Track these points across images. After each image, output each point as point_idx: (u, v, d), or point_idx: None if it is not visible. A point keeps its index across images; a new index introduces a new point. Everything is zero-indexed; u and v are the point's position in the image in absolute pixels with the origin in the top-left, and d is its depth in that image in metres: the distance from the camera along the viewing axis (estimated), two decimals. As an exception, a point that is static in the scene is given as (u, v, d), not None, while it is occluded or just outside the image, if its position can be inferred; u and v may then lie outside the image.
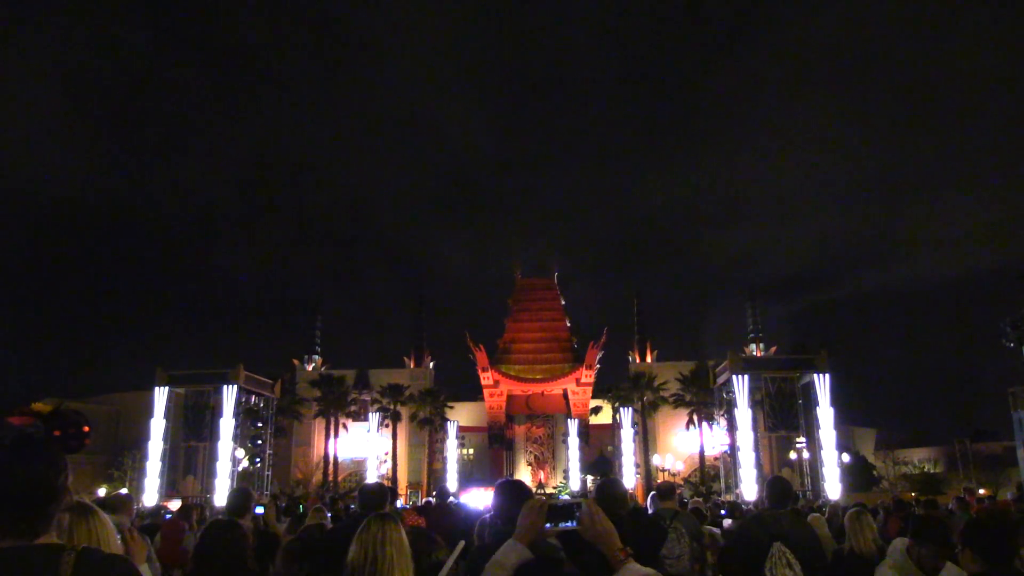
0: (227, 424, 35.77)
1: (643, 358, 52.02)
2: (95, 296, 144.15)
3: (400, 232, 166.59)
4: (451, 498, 18.52)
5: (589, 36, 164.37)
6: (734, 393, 34.82)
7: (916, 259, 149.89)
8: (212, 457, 35.89)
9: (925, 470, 48.63)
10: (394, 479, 45.73)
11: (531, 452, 50.46)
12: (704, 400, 45.27)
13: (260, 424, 40.72)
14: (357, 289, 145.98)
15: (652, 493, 7.91)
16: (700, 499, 30.28)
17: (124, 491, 27.48)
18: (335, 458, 48.60)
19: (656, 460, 47.14)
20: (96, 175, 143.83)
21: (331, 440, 49.01)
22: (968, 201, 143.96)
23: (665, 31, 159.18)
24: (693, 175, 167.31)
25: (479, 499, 27.20)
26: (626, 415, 44.38)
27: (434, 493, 26.57)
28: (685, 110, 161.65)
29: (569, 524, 2.65)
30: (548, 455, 50.18)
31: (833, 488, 32.33)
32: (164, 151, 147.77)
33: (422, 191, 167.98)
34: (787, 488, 5.80)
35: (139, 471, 37.76)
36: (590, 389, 48.49)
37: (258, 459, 40.05)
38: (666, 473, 45.07)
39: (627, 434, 43.46)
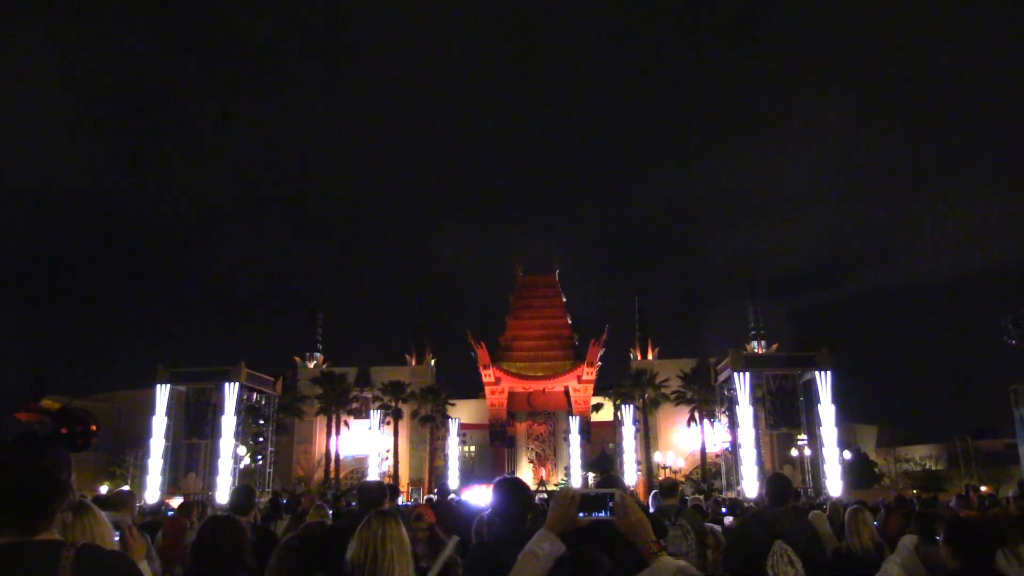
0: (229, 421, 35.82)
1: (644, 355, 52.01)
2: (97, 294, 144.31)
3: (402, 230, 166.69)
4: (452, 495, 18.53)
5: (592, 33, 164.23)
6: (735, 390, 34.82)
7: (918, 256, 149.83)
8: (214, 454, 35.94)
9: (926, 467, 48.65)
10: (396, 476, 45.76)
11: (532, 449, 50.49)
12: (705, 397, 45.26)
13: (262, 421, 40.79)
14: (358, 286, 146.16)
15: (654, 491, 7.91)
16: (700, 496, 30.36)
17: (126, 488, 27.51)
18: (336, 456, 48.63)
19: (657, 457, 47.14)
20: (98, 173, 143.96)
21: (332, 437, 49.03)
22: (970, 199, 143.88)
23: (669, 29, 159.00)
24: (695, 173, 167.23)
25: (480, 496, 27.23)
26: (627, 412, 44.38)
27: (435, 490, 26.55)
28: (688, 108, 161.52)
29: (601, 514, 2.65)
30: (549, 452, 50.20)
31: (834, 485, 32.33)
32: (166, 149, 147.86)
33: (424, 189, 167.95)
34: (786, 485, 5.80)
35: (141, 468, 37.80)
36: (591, 386, 48.48)
37: (259, 456, 40.12)
38: (667, 470, 45.07)
39: (628, 431, 43.48)
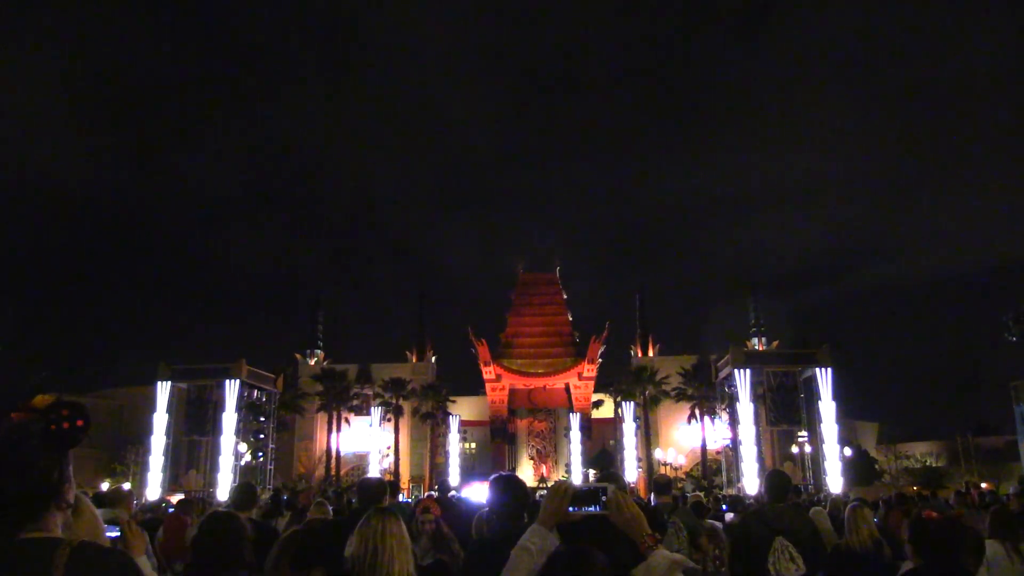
0: (229, 418, 35.84)
1: (645, 352, 52.02)
2: (99, 291, 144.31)
3: (403, 227, 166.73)
4: (452, 492, 18.55)
5: (596, 31, 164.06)
6: (736, 387, 34.81)
7: (919, 253, 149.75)
8: (215, 451, 35.97)
9: (927, 464, 48.65)
10: (396, 473, 45.79)
11: (533, 446, 50.53)
12: (706, 394, 45.26)
13: (262, 418, 40.82)
14: (360, 283, 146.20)
15: (652, 487, 7.92)
16: (700, 493, 30.36)
17: (127, 486, 27.55)
18: (337, 452, 48.66)
19: (658, 454, 47.17)
20: (100, 170, 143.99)
21: (333, 434, 49.05)
22: (971, 196, 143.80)
23: (673, 27, 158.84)
24: (697, 170, 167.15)
25: (481, 493, 27.25)
26: (628, 409, 44.38)
27: (436, 487, 26.58)
28: (690, 106, 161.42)
29: (594, 509, 2.64)
30: (550, 449, 50.25)
31: (835, 482, 32.34)
32: (168, 146, 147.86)
33: (426, 185, 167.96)
34: (785, 481, 5.79)
35: (142, 465, 37.84)
36: (592, 383, 48.49)
37: (260, 453, 40.15)
38: (668, 467, 45.08)
39: (629, 428, 43.49)
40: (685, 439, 48.89)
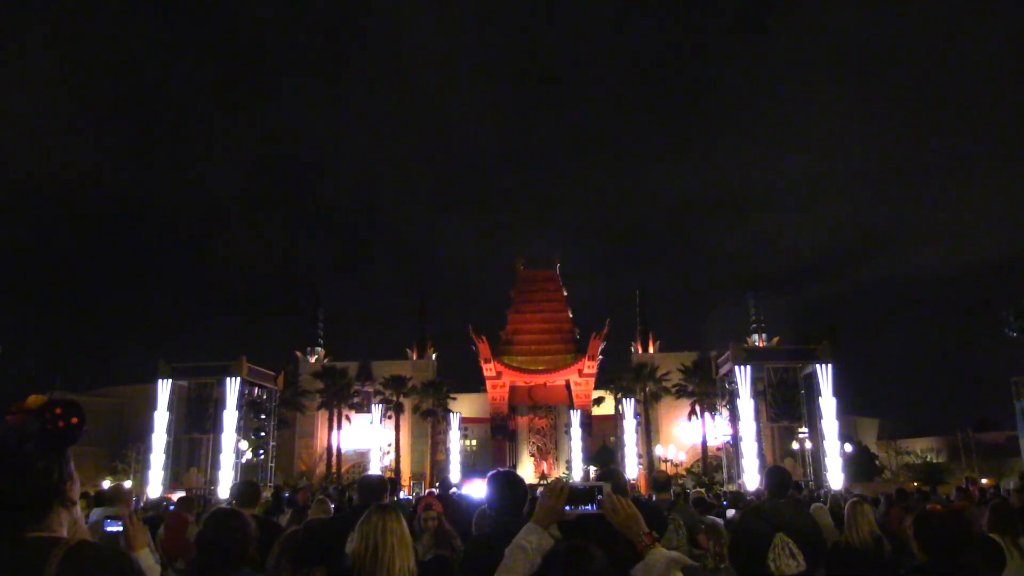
0: (230, 416, 35.81)
1: (645, 349, 52.03)
2: (99, 289, 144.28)
3: (403, 224, 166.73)
4: (453, 489, 18.56)
5: (597, 30, 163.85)
6: (736, 383, 34.78)
7: (919, 250, 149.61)
8: (215, 449, 35.95)
9: (928, 460, 48.64)
10: (397, 470, 45.84)
11: (534, 443, 50.58)
12: (706, 391, 45.26)
13: (263, 416, 40.81)
14: (360, 281, 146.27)
15: (651, 484, 7.92)
16: (702, 489, 30.35)
17: (127, 484, 27.60)
18: (338, 450, 48.70)
19: (659, 451, 47.20)
20: (101, 168, 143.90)
21: (334, 432, 49.10)
22: (972, 193, 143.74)
23: (675, 24, 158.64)
24: (698, 167, 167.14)
25: (481, 490, 27.28)
26: (628, 406, 44.39)
27: (436, 484, 26.57)
28: (692, 103, 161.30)
29: (589, 508, 2.64)
30: (551, 446, 50.29)
31: (835, 478, 32.33)
32: (169, 144, 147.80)
33: (427, 183, 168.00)
34: (785, 477, 5.79)
35: (143, 463, 37.83)
36: (592, 380, 48.53)
37: (261, 451, 40.16)
38: (668, 464, 45.12)
39: (629, 425, 43.50)
40: (686, 435, 48.90)
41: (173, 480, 36.12)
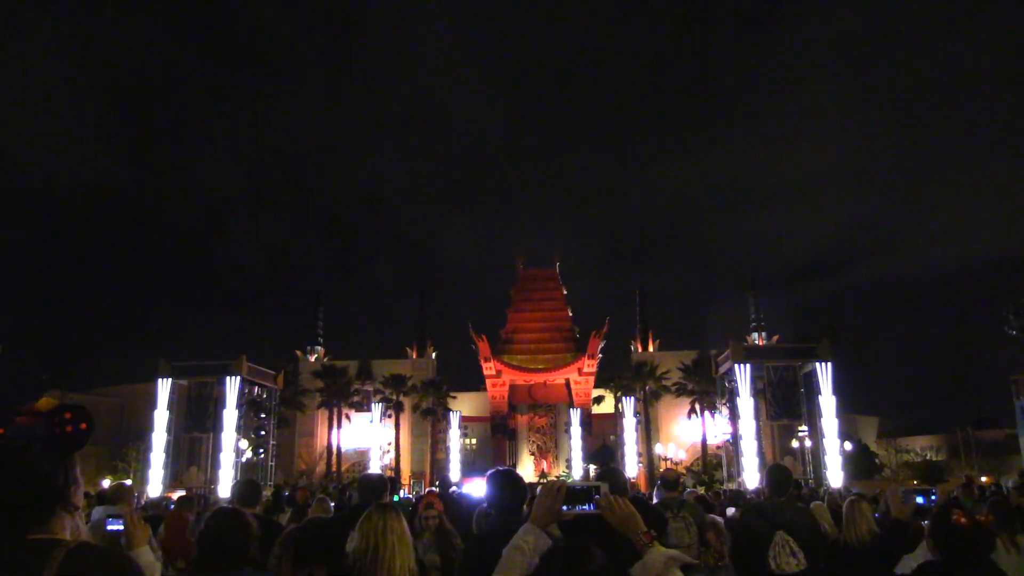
0: (230, 415, 35.84)
1: (645, 347, 52.02)
2: (100, 288, 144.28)
3: (404, 223, 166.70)
4: (453, 488, 18.55)
5: (599, 28, 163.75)
6: (736, 382, 34.80)
7: (919, 248, 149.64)
8: (215, 448, 35.99)
9: (927, 458, 48.65)
10: (397, 469, 45.84)
11: (534, 442, 50.58)
12: (706, 389, 45.26)
13: (263, 415, 40.83)
14: (360, 280, 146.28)
15: (658, 483, 7.91)
16: (702, 488, 30.37)
17: (128, 482, 27.56)
18: (338, 448, 48.70)
19: (658, 449, 47.19)
20: (102, 168, 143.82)
21: (334, 431, 49.10)
22: (972, 192, 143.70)
23: (676, 23, 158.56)
24: (697, 166, 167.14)
25: (481, 489, 27.28)
26: (628, 404, 44.40)
27: (436, 483, 26.58)
28: (692, 102, 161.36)
29: (586, 508, 2.64)
30: (551, 445, 50.29)
31: (835, 476, 32.36)
32: (171, 143, 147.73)
33: (427, 182, 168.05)
34: (786, 476, 5.78)
35: (143, 462, 37.84)
36: (592, 379, 48.54)
37: (261, 450, 40.16)
38: (668, 462, 45.11)
39: (629, 423, 43.52)
40: (685, 434, 48.90)
41: (173, 479, 36.12)
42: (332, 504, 10.14)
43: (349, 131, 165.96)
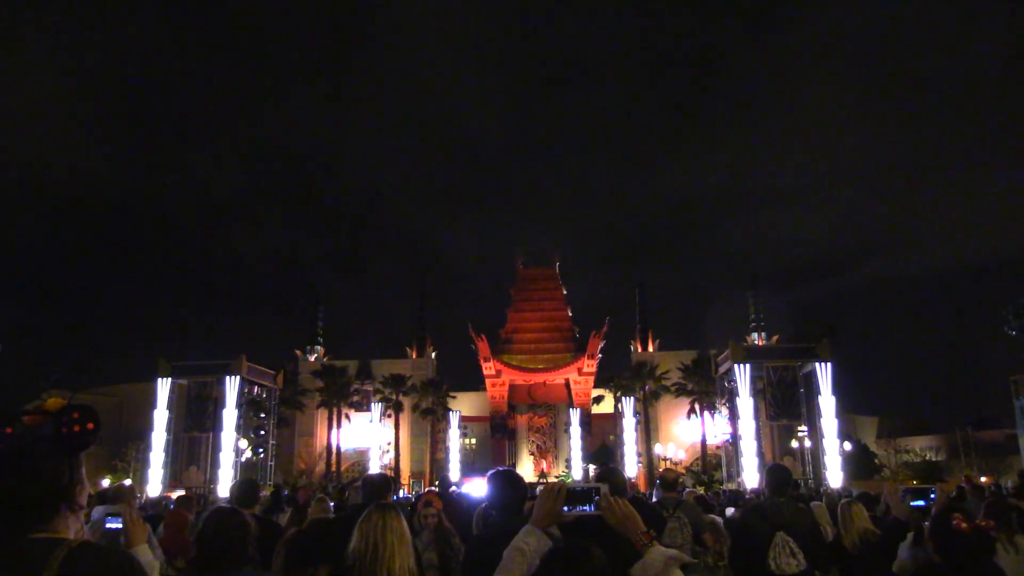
0: (230, 415, 35.85)
1: (645, 347, 52.02)
2: (100, 287, 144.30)
3: (404, 222, 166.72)
4: (453, 488, 18.55)
5: (600, 27, 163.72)
6: (736, 382, 34.81)
7: (919, 248, 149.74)
8: (215, 448, 36.00)
9: (927, 458, 48.64)
10: (397, 469, 45.86)
11: (533, 442, 50.58)
12: (706, 389, 45.27)
13: (263, 415, 40.84)
14: (360, 279, 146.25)
15: (657, 483, 7.92)
16: (702, 487, 30.38)
17: (127, 482, 27.54)
18: (338, 448, 48.71)
19: (658, 449, 47.19)
20: (102, 166, 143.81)
21: (334, 430, 49.11)
22: (972, 192, 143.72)
23: (678, 23, 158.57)
24: (697, 165, 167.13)
25: (481, 489, 27.26)
26: (628, 404, 44.41)
27: (436, 483, 26.56)
28: (693, 101, 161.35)
29: (586, 508, 2.65)
30: (550, 444, 50.29)
31: (835, 476, 32.37)
32: (171, 141, 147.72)
33: (427, 181, 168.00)
34: (786, 476, 5.79)
35: (143, 462, 37.85)
36: (592, 379, 48.55)
37: (261, 450, 40.17)
38: (668, 462, 45.13)
39: (629, 423, 43.52)
40: (685, 434, 48.91)
41: (173, 479, 36.15)
42: (331, 504, 10.12)
43: (350, 131, 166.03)
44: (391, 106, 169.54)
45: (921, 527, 4.49)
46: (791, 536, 5.08)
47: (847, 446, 37.99)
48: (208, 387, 37.62)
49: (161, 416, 35.87)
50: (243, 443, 37.68)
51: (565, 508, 2.66)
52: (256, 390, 39.93)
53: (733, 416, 35.99)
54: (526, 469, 46.89)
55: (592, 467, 41.71)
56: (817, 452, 34.74)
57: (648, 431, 47.51)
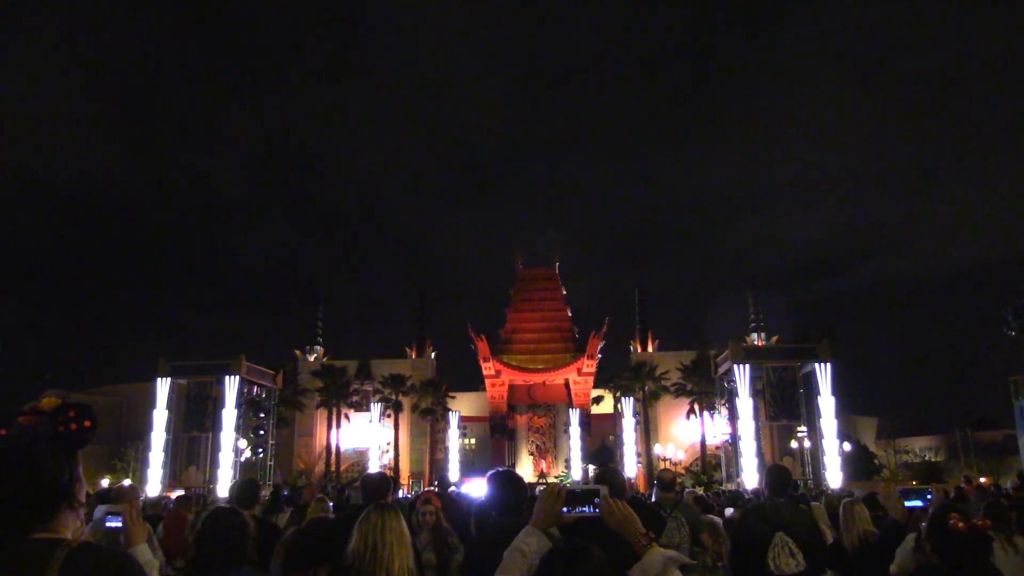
0: (229, 415, 35.82)
1: (644, 348, 52.02)
2: (100, 287, 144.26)
3: (404, 223, 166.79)
4: (452, 488, 18.56)
5: (602, 27, 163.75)
6: (735, 382, 34.80)
7: (919, 249, 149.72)
8: (215, 448, 35.97)
9: (926, 459, 48.67)
10: (396, 469, 45.85)
11: (533, 442, 50.57)
12: (705, 389, 45.27)
13: (262, 415, 40.81)
14: (360, 279, 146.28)
15: (655, 483, 7.93)
16: (701, 488, 30.38)
17: (127, 482, 27.52)
18: (337, 448, 48.71)
19: (657, 449, 47.19)
20: (101, 165, 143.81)
21: (333, 430, 49.11)
22: (972, 192, 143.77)
23: (680, 23, 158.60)
24: (698, 166, 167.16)
25: (480, 489, 27.25)
26: (628, 405, 44.39)
27: (435, 483, 26.59)
28: (696, 101, 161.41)
29: (586, 509, 2.66)
30: (550, 445, 50.28)
31: (834, 477, 32.38)
32: (172, 140, 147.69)
33: (427, 181, 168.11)
34: (785, 476, 5.80)
35: (142, 462, 37.82)
36: (591, 379, 48.53)
37: (260, 450, 40.15)
38: (667, 462, 45.13)
39: (628, 424, 43.51)
40: (684, 434, 48.91)
41: (172, 479, 36.12)
42: (331, 504, 10.12)
43: (350, 131, 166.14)
44: (392, 107, 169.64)
45: (920, 529, 4.49)
46: (790, 536, 5.08)
47: (846, 447, 38.00)
48: (207, 387, 37.59)
49: (160, 416, 35.85)
50: (242, 443, 37.66)
51: (565, 509, 2.67)
52: (256, 390, 39.92)
53: (732, 416, 35.98)
54: (525, 469, 46.88)
55: (591, 467, 41.68)
56: (816, 452, 34.74)
57: (647, 431, 47.51)
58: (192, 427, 37.69)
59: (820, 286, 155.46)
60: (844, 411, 39.83)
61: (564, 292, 53.09)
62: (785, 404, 36.37)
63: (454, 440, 45.46)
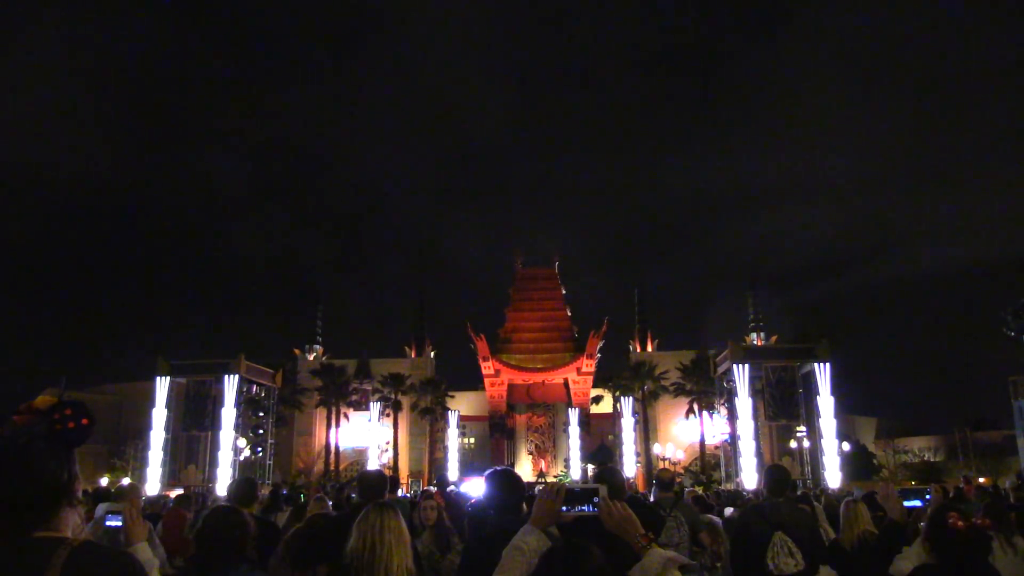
0: (228, 414, 35.81)
1: (644, 347, 52.02)
2: (99, 286, 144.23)
3: (404, 222, 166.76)
4: (451, 487, 18.55)
5: (604, 27, 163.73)
6: (735, 382, 34.79)
7: (918, 249, 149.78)
8: (214, 447, 35.95)
9: (925, 459, 48.70)
10: (395, 468, 45.82)
11: (532, 441, 50.58)
12: (705, 389, 45.27)
13: (261, 414, 40.79)
14: (360, 279, 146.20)
15: (654, 483, 7.92)
16: (700, 487, 30.37)
17: (126, 481, 27.54)
18: (336, 447, 48.70)
19: (657, 449, 47.19)
20: (100, 164, 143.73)
21: (332, 430, 49.09)
22: (972, 193, 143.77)
23: (682, 23, 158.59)
24: (698, 165, 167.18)
25: (479, 488, 27.21)
26: (627, 404, 44.39)
27: (435, 482, 26.58)
28: (697, 101, 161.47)
29: (586, 509, 2.66)
30: (549, 444, 50.29)
31: (833, 477, 32.37)
32: (172, 140, 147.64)
33: (427, 180, 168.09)
34: (784, 476, 5.80)
35: (141, 461, 37.84)
36: (591, 378, 48.54)
37: (259, 449, 40.14)
38: (666, 462, 45.13)
39: (628, 423, 43.50)
40: (684, 434, 48.91)
41: (171, 477, 36.11)
42: (330, 503, 10.12)
43: (351, 131, 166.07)
44: (392, 107, 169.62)
45: (919, 530, 4.48)
46: (789, 536, 5.08)
47: (846, 447, 38.02)
48: (207, 386, 37.57)
49: (160, 415, 35.83)
50: (242, 442, 37.65)
51: (564, 508, 2.67)
52: (255, 389, 39.90)
53: (732, 416, 35.98)
54: (525, 469, 46.88)
55: (590, 467, 41.66)
56: (816, 452, 34.73)
57: (647, 431, 47.50)
58: (191, 426, 37.66)
59: (820, 286, 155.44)
60: (843, 411, 39.83)
61: (564, 292, 53.10)
62: (784, 404, 36.35)
63: (453, 439, 45.46)
